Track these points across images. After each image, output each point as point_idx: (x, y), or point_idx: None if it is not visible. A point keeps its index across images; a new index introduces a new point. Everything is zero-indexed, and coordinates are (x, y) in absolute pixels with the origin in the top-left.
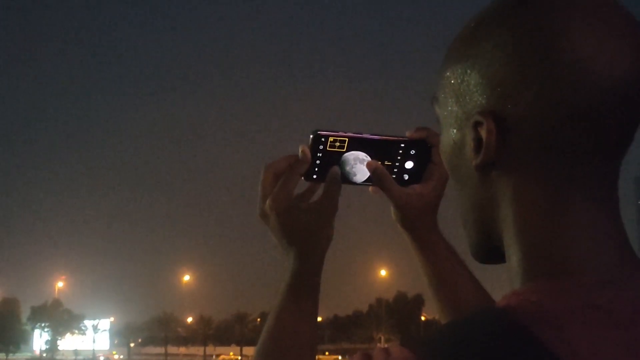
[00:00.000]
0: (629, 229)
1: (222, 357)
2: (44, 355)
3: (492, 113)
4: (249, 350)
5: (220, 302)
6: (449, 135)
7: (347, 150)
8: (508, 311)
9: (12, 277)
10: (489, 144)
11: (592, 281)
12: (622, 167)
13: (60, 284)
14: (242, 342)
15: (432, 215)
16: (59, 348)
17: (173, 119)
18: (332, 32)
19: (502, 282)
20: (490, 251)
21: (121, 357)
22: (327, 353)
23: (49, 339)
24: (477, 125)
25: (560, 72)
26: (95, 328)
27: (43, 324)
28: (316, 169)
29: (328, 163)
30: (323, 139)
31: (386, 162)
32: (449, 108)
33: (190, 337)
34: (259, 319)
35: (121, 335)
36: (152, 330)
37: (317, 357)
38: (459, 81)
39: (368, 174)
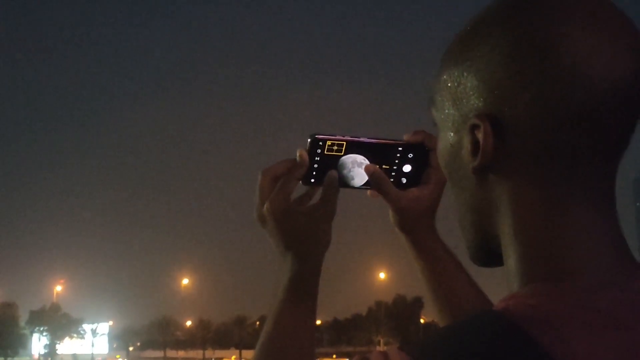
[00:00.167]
0: (628, 230)
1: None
2: (43, 359)
3: (489, 116)
4: (248, 354)
5: (219, 306)
6: (446, 138)
7: (345, 154)
8: (506, 314)
9: (10, 281)
10: (486, 146)
11: (590, 283)
12: (621, 169)
13: (58, 288)
14: (241, 345)
15: (430, 219)
16: (58, 352)
17: (171, 123)
18: (330, 35)
19: (500, 285)
20: (489, 254)
21: None
22: (334, 356)
23: (48, 343)
24: (474, 128)
25: (557, 75)
26: (94, 332)
27: (41, 328)
28: (314, 173)
29: (326, 167)
30: (321, 143)
31: (384, 166)
32: (446, 111)
33: (189, 341)
34: (258, 323)
35: (120, 339)
36: (151, 333)
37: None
38: (455, 84)
39: (366, 177)
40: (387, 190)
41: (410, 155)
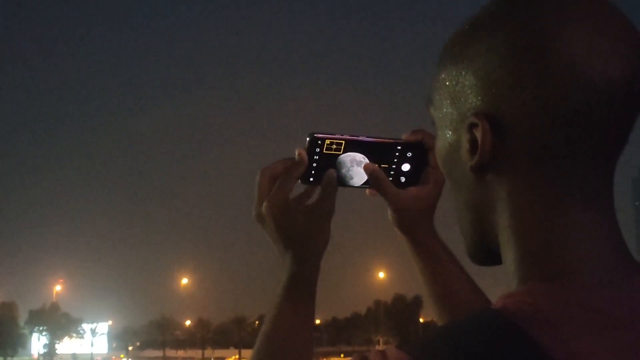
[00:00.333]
0: (627, 230)
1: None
2: (42, 359)
3: (488, 115)
4: (248, 353)
5: (218, 305)
6: (445, 137)
7: (344, 153)
8: (504, 313)
9: (9, 280)
10: (484, 145)
11: (589, 283)
12: (620, 169)
13: (58, 288)
14: (240, 345)
15: (429, 218)
16: (57, 352)
17: (171, 123)
18: (330, 35)
19: (500, 285)
20: (487, 253)
21: None
22: (342, 355)
23: (47, 342)
24: (472, 126)
25: (555, 73)
26: (93, 332)
27: (41, 328)
28: (313, 172)
29: (324, 166)
30: (319, 142)
31: (383, 165)
32: (444, 110)
33: (188, 341)
34: (257, 322)
35: (119, 338)
36: (150, 333)
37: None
38: (453, 83)
39: (365, 176)
40: (386, 189)
41: (409, 155)
